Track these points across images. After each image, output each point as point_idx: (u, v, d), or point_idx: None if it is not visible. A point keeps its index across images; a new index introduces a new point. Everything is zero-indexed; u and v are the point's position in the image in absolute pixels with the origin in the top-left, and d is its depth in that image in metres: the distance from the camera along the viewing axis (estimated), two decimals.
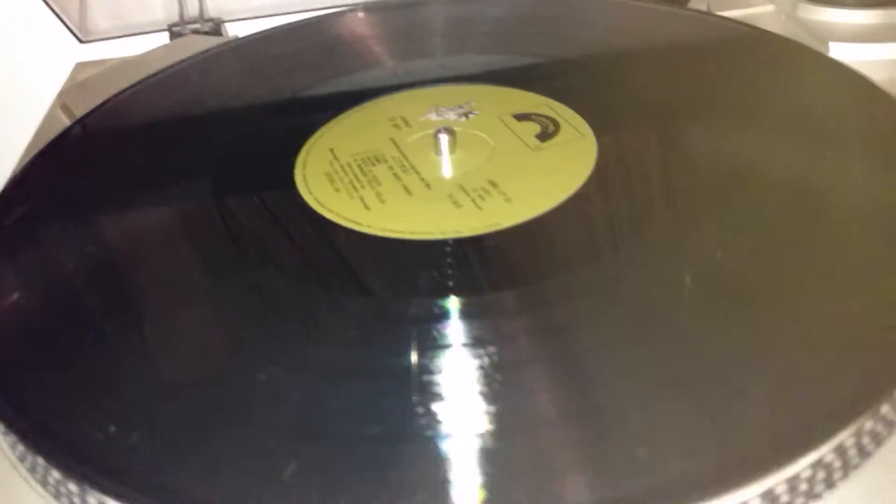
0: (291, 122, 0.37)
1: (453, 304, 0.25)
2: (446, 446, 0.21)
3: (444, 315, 0.25)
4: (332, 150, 0.34)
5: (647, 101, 0.35)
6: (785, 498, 0.21)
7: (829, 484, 0.21)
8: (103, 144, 0.39)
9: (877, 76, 0.39)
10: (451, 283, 0.26)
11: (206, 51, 0.44)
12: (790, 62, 0.37)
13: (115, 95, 0.42)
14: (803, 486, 0.21)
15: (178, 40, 0.49)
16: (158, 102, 0.41)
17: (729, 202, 0.29)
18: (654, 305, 0.25)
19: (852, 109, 0.34)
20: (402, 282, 0.27)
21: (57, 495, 0.23)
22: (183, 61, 0.44)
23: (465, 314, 0.25)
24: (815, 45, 0.41)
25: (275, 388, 0.23)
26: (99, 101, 0.41)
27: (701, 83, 0.37)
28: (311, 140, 0.35)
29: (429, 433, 0.21)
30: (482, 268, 0.27)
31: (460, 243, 0.28)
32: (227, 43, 0.46)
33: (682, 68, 0.38)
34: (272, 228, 0.30)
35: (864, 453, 0.22)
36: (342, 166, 0.33)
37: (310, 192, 0.31)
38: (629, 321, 0.24)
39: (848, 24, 0.43)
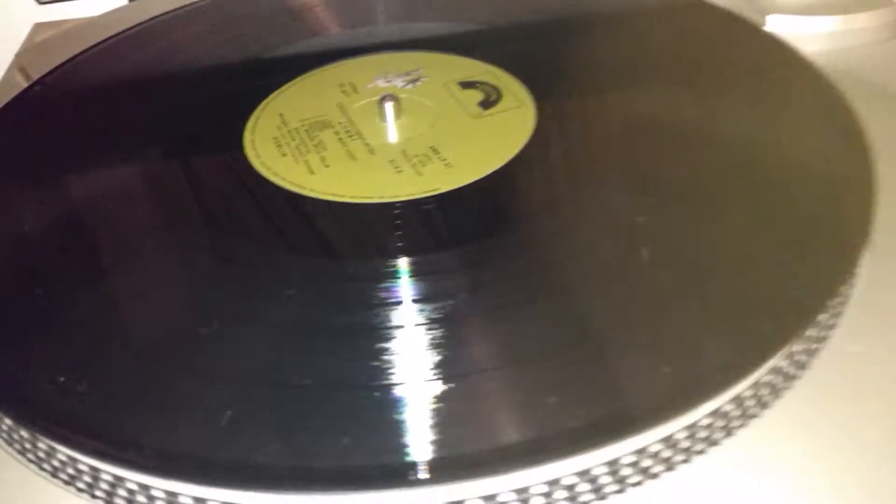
0: (244, 86, 0.38)
1: (388, 264, 0.26)
2: (370, 397, 0.22)
3: (377, 275, 0.26)
4: (281, 115, 0.35)
5: (585, 70, 0.37)
6: (685, 444, 0.22)
7: (728, 432, 0.23)
8: (60, 106, 0.39)
9: (811, 48, 0.41)
10: (386, 245, 0.27)
11: (164, 14, 0.45)
12: (723, 32, 0.39)
13: (73, 57, 0.42)
14: (702, 434, 0.23)
15: (138, 2, 0.50)
16: (115, 65, 0.42)
17: (655, 168, 0.31)
18: (575, 266, 0.26)
19: (774, 77, 0.35)
20: (339, 243, 0.29)
21: (10, 441, 0.24)
22: (141, 24, 0.44)
23: (399, 275, 0.26)
24: (753, 16, 0.42)
25: (214, 341, 0.24)
26: (57, 62, 0.42)
27: (639, 52, 0.38)
28: (262, 105, 0.36)
29: (355, 385, 0.22)
30: (419, 231, 0.28)
31: (398, 207, 0.29)
32: (184, 6, 0.47)
33: (621, 38, 0.39)
34: (219, 190, 0.32)
35: (761, 404, 0.24)
36: (290, 131, 0.34)
37: (257, 156, 0.33)
38: (552, 279, 0.26)
39: None
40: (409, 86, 0.37)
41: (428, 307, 0.24)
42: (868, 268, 0.28)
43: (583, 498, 0.21)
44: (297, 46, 0.41)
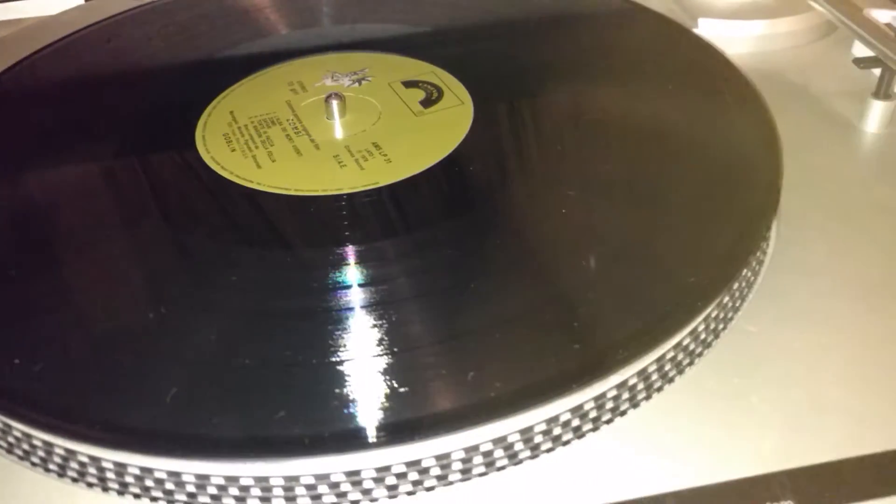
0: (197, 85, 0.40)
1: (326, 253, 0.28)
2: (302, 375, 0.24)
3: (316, 263, 0.28)
4: (231, 113, 0.37)
5: (523, 71, 0.39)
6: (593, 413, 0.25)
7: (634, 403, 0.25)
8: (17, 104, 0.41)
9: (741, 50, 0.43)
10: (326, 235, 0.29)
11: (119, 14, 0.46)
12: (656, 34, 0.41)
13: (30, 55, 0.44)
14: (609, 405, 0.25)
15: (93, 1, 0.51)
16: (72, 63, 0.43)
17: (584, 162, 0.33)
18: (500, 254, 0.28)
19: (699, 76, 0.38)
20: (281, 233, 0.30)
21: None
22: (97, 23, 0.46)
23: (337, 263, 0.28)
24: (685, 19, 0.45)
25: (161, 325, 0.26)
26: (13, 60, 0.43)
27: (575, 53, 0.40)
28: (214, 102, 0.38)
29: (290, 364, 0.24)
30: (358, 222, 0.30)
31: (339, 200, 0.31)
32: (140, 6, 0.48)
33: (558, 39, 0.41)
34: (170, 184, 0.33)
35: (666, 378, 0.26)
36: (240, 128, 0.36)
37: (207, 152, 0.34)
38: (479, 267, 0.28)
39: (721, 2, 0.47)
40: (356, 84, 0.39)
41: (362, 293, 0.26)
42: (772, 255, 0.31)
43: (499, 463, 0.24)
44: (249, 46, 0.43)
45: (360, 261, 0.28)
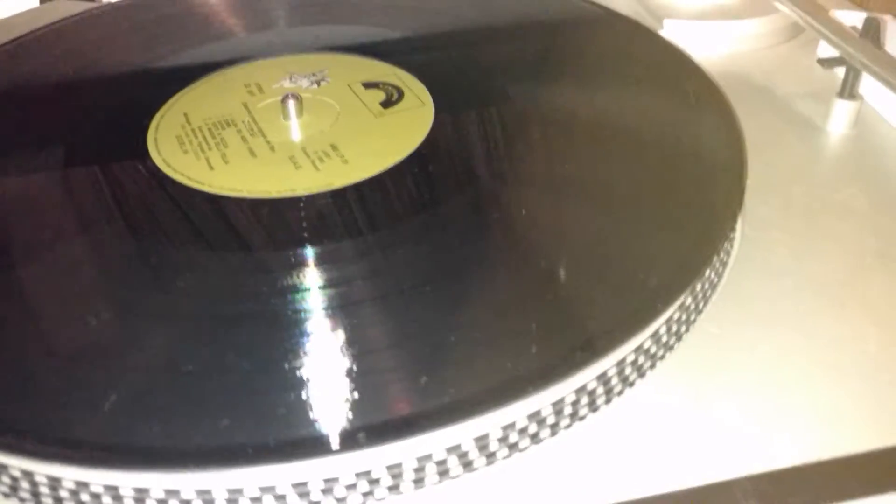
0: (151, 86, 0.39)
1: (276, 256, 0.27)
2: (247, 382, 0.23)
3: (265, 267, 0.27)
4: (185, 115, 0.36)
5: (486, 72, 0.38)
6: (552, 419, 0.24)
7: (594, 408, 0.25)
8: None
9: (707, 51, 0.43)
10: (277, 238, 0.28)
11: (70, 17, 0.45)
12: (620, 35, 0.41)
13: None
14: (568, 409, 0.24)
15: (48, 4, 0.50)
16: (25, 65, 0.42)
17: (546, 164, 0.32)
18: (456, 257, 0.27)
19: (664, 76, 0.37)
20: (230, 236, 0.29)
21: None
22: (47, 26, 0.45)
23: (286, 267, 0.27)
24: (650, 21, 0.44)
25: (103, 331, 0.25)
26: None
27: (539, 55, 0.40)
28: (167, 105, 0.37)
29: (234, 371, 0.23)
30: (311, 224, 0.29)
31: (293, 202, 0.30)
32: (90, 10, 0.47)
33: (523, 40, 0.40)
34: (117, 186, 0.32)
35: (627, 382, 0.25)
36: (193, 130, 0.35)
37: (159, 154, 0.33)
38: (432, 272, 0.27)
39: (686, 3, 0.47)
40: (314, 86, 0.38)
41: (312, 297, 0.25)
42: (736, 255, 0.30)
43: (454, 472, 0.23)
44: (206, 48, 0.42)
45: (310, 264, 0.27)
